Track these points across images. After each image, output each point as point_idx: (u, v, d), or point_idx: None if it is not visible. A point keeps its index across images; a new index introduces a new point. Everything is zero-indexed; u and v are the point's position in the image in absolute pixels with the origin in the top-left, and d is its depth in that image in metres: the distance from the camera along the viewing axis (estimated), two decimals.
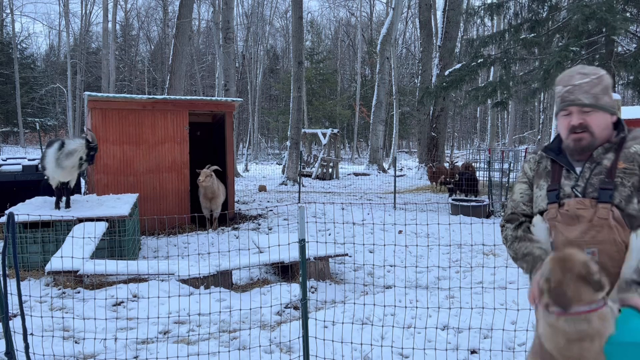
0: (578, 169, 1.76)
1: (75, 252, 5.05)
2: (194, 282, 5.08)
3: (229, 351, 3.78)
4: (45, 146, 6.88)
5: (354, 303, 4.48)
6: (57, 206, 6.65)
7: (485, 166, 11.59)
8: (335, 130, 22.37)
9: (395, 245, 5.99)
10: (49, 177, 6.71)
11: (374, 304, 4.25)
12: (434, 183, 15.78)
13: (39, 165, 6.95)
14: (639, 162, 1.65)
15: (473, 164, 14.08)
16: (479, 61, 11.46)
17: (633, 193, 1.63)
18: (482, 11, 11.79)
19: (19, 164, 9.41)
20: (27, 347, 3.20)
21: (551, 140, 1.93)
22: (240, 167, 25.15)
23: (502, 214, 2.05)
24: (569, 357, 1.57)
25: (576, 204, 1.69)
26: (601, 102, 1.70)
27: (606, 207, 1.64)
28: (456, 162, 15.76)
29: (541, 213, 1.84)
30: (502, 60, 11.21)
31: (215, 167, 8.70)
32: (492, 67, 14.26)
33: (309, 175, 19.72)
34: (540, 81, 10.05)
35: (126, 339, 3.87)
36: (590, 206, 1.66)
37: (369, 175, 21.24)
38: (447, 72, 12.66)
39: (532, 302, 1.69)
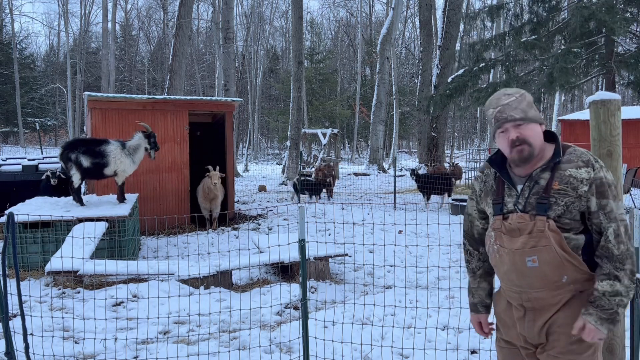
0: (519, 187, 1.98)
1: (75, 252, 5.04)
2: (194, 282, 5.08)
3: (229, 351, 3.78)
4: (81, 146, 6.76)
5: (354, 303, 4.48)
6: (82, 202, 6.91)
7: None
8: (335, 130, 22.35)
9: (395, 245, 5.98)
10: (118, 174, 6.95)
11: (374, 304, 4.24)
12: None
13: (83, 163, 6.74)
14: (572, 185, 1.87)
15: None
16: (481, 65, 11.48)
17: (565, 212, 1.87)
18: (483, 14, 11.80)
19: (19, 164, 9.42)
20: (27, 347, 3.20)
21: (495, 152, 2.13)
22: (240, 167, 25.16)
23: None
24: None
25: (517, 219, 1.93)
26: (530, 115, 1.92)
27: (542, 219, 1.87)
28: (456, 163, 15.78)
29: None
30: (504, 63, 11.23)
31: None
32: (493, 70, 14.27)
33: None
34: (545, 86, 10.11)
35: (126, 339, 3.87)
36: (530, 220, 1.90)
37: (369, 175, 21.22)
38: (450, 79, 12.70)
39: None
